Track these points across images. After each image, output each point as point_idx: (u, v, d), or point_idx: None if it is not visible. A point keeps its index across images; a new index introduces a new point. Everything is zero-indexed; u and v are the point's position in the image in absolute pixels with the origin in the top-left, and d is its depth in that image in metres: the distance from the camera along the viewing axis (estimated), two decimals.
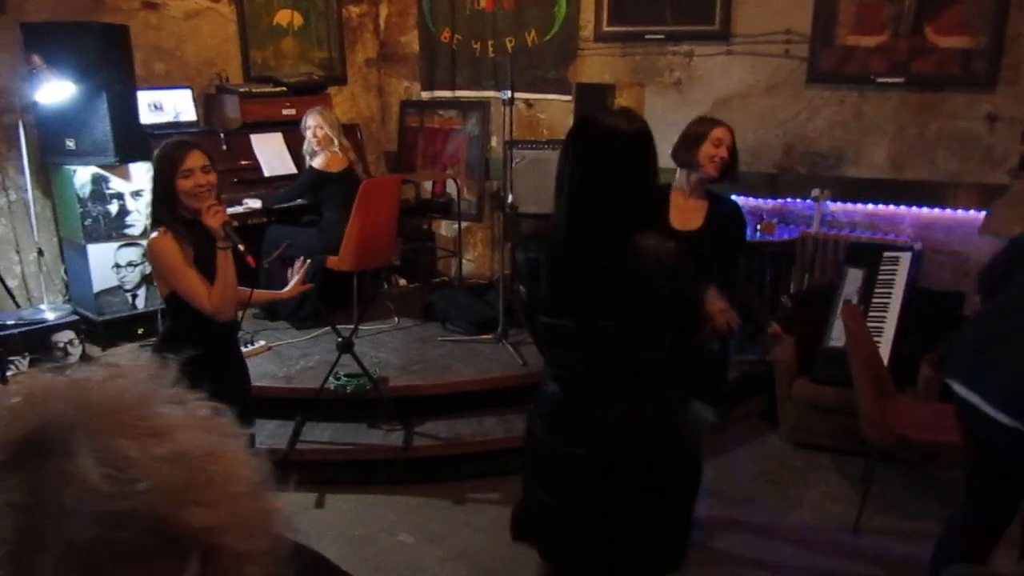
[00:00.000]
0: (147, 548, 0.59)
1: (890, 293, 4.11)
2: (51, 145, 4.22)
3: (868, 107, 4.51)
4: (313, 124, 4.64)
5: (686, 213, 2.87)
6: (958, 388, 2.37)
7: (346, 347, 3.78)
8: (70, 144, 4.13)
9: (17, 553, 0.57)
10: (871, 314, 4.06)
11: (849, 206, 4.65)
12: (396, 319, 4.93)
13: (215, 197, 2.54)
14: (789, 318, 4.18)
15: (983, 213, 4.06)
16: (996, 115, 4.18)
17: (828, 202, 4.63)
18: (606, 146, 1.74)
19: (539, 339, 1.99)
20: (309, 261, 2.95)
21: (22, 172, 4.29)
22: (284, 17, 5.58)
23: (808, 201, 4.69)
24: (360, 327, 4.31)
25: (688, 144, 2.89)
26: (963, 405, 2.36)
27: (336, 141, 4.66)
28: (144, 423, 0.63)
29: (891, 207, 4.54)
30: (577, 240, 1.76)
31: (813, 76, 4.59)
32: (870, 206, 4.60)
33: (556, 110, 5.55)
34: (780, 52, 4.69)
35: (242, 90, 5.03)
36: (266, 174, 5.02)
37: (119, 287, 4.38)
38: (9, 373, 3.42)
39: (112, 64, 4.10)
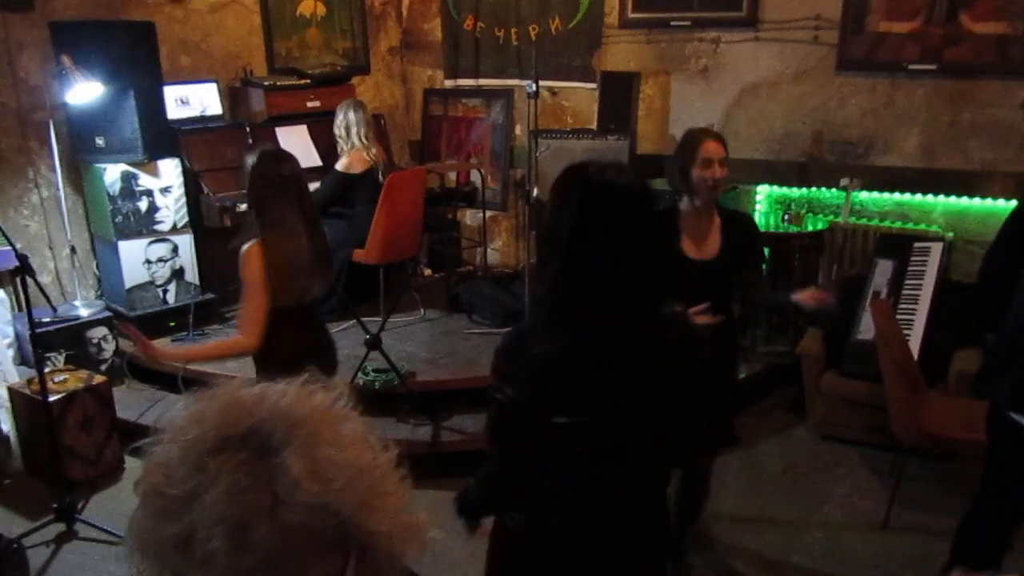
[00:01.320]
0: (329, 540, 0.71)
1: (920, 285, 4.06)
2: (81, 143, 4.27)
3: (900, 95, 4.43)
4: (339, 119, 4.67)
5: (699, 238, 2.66)
6: (1018, 418, 2.31)
7: (374, 344, 3.81)
8: (99, 142, 4.18)
9: (236, 528, 0.67)
10: (901, 306, 4.01)
11: (879, 195, 4.59)
12: (422, 311, 4.95)
13: None
14: (816, 310, 4.14)
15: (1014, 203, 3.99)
16: None
17: (858, 192, 4.57)
18: (634, 206, 1.54)
19: (523, 446, 1.67)
20: None
21: (53, 169, 4.35)
22: (307, 7, 5.57)
23: (837, 190, 4.62)
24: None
25: (678, 170, 2.64)
26: (1014, 427, 2.31)
27: (357, 140, 4.65)
28: (334, 435, 0.74)
29: (922, 197, 4.47)
30: (603, 322, 1.55)
31: (843, 63, 4.51)
32: (901, 195, 4.53)
33: (581, 98, 5.51)
34: (809, 38, 4.61)
35: (266, 83, 5.05)
36: None
37: (150, 283, 4.45)
38: (46, 369, 3.49)
39: (139, 62, 4.13)
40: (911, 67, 4.31)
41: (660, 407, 1.63)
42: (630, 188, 1.55)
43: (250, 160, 2.67)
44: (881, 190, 4.56)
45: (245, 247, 2.61)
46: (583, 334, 1.55)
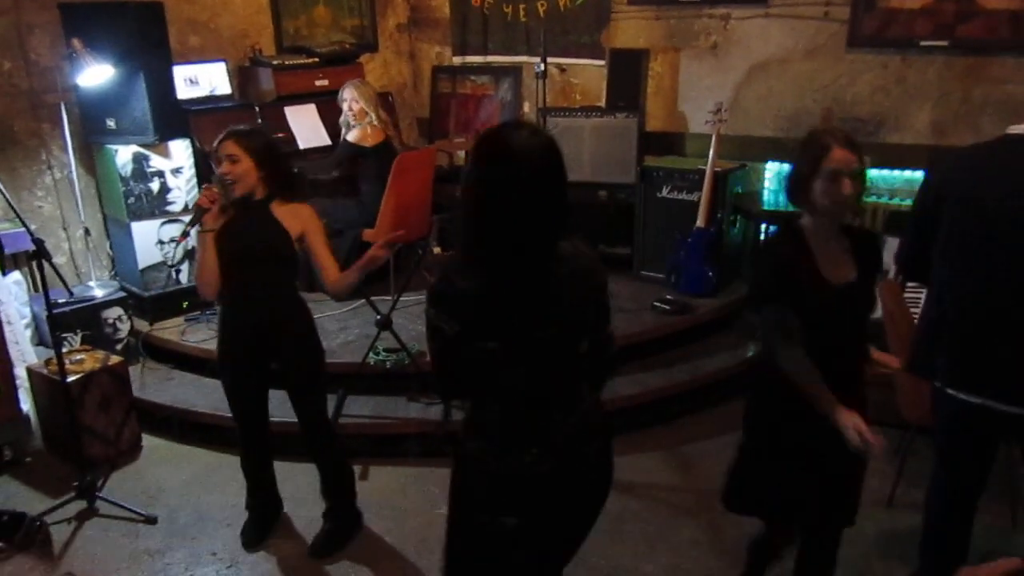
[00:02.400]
0: None
1: None
2: (92, 125, 4.30)
3: (911, 72, 4.40)
4: (349, 97, 4.66)
5: (834, 260, 2.22)
6: (957, 394, 2.35)
7: (385, 325, 3.85)
8: (111, 124, 4.21)
9: None
10: (910, 285, 4.01)
11: (889, 173, 4.57)
12: None
13: (246, 188, 2.83)
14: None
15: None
16: None
17: (868, 169, 4.54)
18: (529, 165, 1.69)
19: (465, 372, 1.82)
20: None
21: (66, 151, 4.39)
22: None
23: None
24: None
25: (798, 182, 2.18)
26: (961, 406, 2.34)
27: (372, 115, 4.67)
28: None
29: None
30: (511, 260, 1.74)
31: (854, 40, 4.48)
32: (911, 173, 4.51)
33: (589, 75, 5.49)
34: (820, 15, 4.57)
35: (275, 62, 5.05)
36: (301, 146, 5.06)
37: (163, 263, 4.49)
38: (64, 350, 3.54)
39: (149, 44, 4.13)
40: (923, 43, 4.28)
41: (572, 330, 1.83)
42: (529, 151, 1.68)
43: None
44: (891, 167, 4.55)
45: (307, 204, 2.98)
46: (494, 271, 1.74)
